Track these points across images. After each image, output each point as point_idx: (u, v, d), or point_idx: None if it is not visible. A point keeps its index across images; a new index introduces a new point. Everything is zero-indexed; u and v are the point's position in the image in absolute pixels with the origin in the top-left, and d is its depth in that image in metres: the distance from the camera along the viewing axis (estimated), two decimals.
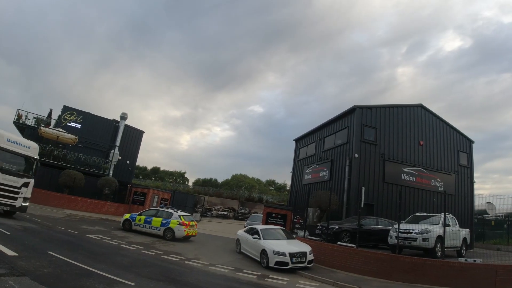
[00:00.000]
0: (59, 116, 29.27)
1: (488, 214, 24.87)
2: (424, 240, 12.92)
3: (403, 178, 21.93)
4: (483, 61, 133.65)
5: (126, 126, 31.82)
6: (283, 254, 11.74)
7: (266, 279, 10.06)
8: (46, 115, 30.28)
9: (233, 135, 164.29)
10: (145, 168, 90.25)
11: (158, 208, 18.15)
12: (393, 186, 21.35)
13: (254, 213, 47.99)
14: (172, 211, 17.23)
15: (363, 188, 20.21)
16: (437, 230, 12.99)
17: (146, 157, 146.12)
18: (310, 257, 12.29)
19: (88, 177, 24.80)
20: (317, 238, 15.59)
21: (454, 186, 23.66)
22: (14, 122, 28.80)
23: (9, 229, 11.13)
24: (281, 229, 15.15)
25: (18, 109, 29.12)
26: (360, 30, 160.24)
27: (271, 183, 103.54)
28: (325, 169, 24.45)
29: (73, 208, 22.40)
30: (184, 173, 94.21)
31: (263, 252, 12.27)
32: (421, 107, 24.38)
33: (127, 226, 17.49)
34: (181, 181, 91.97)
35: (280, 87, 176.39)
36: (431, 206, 22.03)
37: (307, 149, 29.53)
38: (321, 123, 26.94)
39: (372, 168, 21.27)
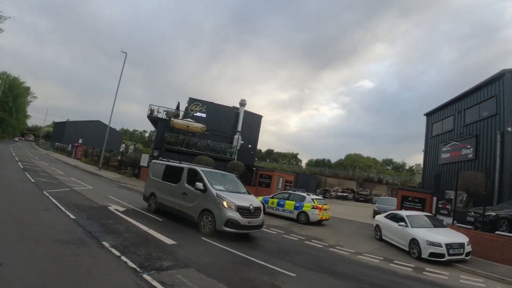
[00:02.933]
0: (186, 108, 31.98)
1: None
2: None
3: None
4: None
5: (246, 112, 32.98)
6: (438, 245, 10.28)
7: (424, 272, 8.96)
8: (174, 108, 33.55)
9: (341, 114, 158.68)
10: (260, 150, 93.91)
11: (290, 192, 18.09)
12: None
13: (376, 195, 45.15)
14: (304, 194, 17.00)
15: None
16: None
17: (259, 140, 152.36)
18: (468, 248, 10.66)
19: (217, 161, 26.37)
20: (470, 227, 13.23)
21: None
22: (148, 116, 32.64)
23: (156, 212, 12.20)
24: (428, 215, 13.43)
25: (150, 104, 32.90)
26: None
27: (388, 162, 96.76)
28: (468, 146, 20.83)
29: None
30: (297, 154, 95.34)
31: (413, 241, 10.99)
32: None
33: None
34: (294, 162, 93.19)
35: (391, 58, 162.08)
36: None
37: (442, 124, 25.71)
38: (459, 93, 23.04)
39: None
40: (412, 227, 11.58)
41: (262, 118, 35.49)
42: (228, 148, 29.25)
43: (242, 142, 31.83)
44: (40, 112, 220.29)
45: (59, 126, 76.09)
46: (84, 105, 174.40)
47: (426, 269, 9.31)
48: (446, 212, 16.61)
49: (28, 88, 71.03)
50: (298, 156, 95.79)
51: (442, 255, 10.17)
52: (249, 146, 33.23)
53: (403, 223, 11.99)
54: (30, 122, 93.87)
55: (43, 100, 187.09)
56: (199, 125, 26.54)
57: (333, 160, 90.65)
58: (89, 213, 9.99)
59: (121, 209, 11.68)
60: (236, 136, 31.39)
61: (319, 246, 10.96)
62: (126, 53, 32.76)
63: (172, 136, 27.09)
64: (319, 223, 16.32)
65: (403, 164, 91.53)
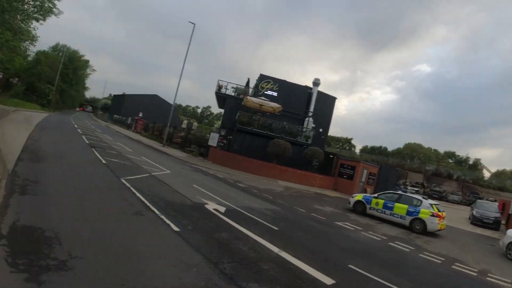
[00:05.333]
0: (256, 85, 29.34)
1: None
2: None
3: None
4: None
5: (319, 92, 29.75)
6: None
7: None
8: (243, 85, 31.03)
9: (395, 99, 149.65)
10: None
11: (400, 193, 14.97)
12: None
13: (452, 193, 40.52)
14: (420, 197, 14.26)
15: None
16: None
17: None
18: None
19: (292, 146, 23.71)
20: None
21: None
22: (216, 93, 30.41)
23: (260, 215, 9.88)
24: None
25: (218, 80, 30.69)
26: None
27: (450, 154, 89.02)
28: None
29: (284, 179, 21.68)
30: (351, 139, 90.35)
31: None
32: None
33: (360, 209, 15.16)
34: (347, 147, 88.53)
35: (452, 42, 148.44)
36: None
37: None
38: None
39: None
40: None
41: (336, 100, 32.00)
42: (305, 132, 26.30)
43: (313, 125, 28.82)
44: (97, 85, 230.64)
45: (117, 99, 76.56)
46: (138, 80, 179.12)
47: None
48: None
49: (87, 61, 71.96)
50: (352, 142, 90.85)
51: None
52: (320, 130, 30.05)
53: None
54: (88, 94, 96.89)
55: (100, 74, 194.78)
56: (274, 105, 23.79)
57: (389, 148, 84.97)
58: (189, 217, 7.77)
59: (221, 208, 9.49)
60: (307, 119, 28.40)
61: (464, 271, 8.79)
62: (194, 24, 30.54)
63: (246, 115, 24.58)
64: (432, 233, 13.50)
65: (467, 158, 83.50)
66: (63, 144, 16.39)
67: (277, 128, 24.80)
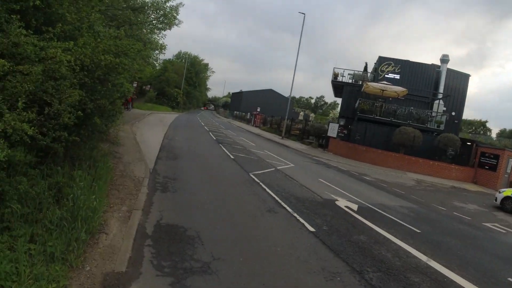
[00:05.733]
0: (375, 69, 27.57)
1: None
2: None
3: None
4: None
5: (449, 70, 26.18)
6: None
7: None
8: (361, 70, 29.53)
9: None
10: None
11: None
12: None
13: None
14: None
15: None
16: None
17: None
18: None
19: (421, 133, 21.52)
20: None
21: None
22: (332, 81, 29.64)
23: (397, 214, 9.20)
24: None
25: (334, 67, 29.77)
26: None
27: None
28: None
29: (414, 171, 19.95)
30: (486, 122, 77.66)
31: None
32: None
33: (510, 207, 13.05)
34: (481, 132, 76.33)
35: None
36: None
37: None
38: None
39: None
40: None
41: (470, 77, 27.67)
42: (434, 117, 23.61)
43: (444, 108, 25.57)
44: (216, 85, 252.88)
45: (236, 96, 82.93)
46: (252, 76, 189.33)
47: None
48: None
49: (206, 65, 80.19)
50: (487, 125, 77.91)
51: None
52: (453, 113, 26.43)
53: None
54: (209, 94, 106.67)
55: (219, 74, 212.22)
56: (399, 89, 21.86)
57: None
58: (322, 216, 7.65)
59: (353, 206, 9.16)
60: (438, 101, 25.32)
61: None
62: (304, 14, 30.32)
63: (367, 102, 23.34)
64: None
65: None
66: (194, 141, 18.31)
67: (403, 114, 22.84)
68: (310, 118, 44.59)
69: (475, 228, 9.67)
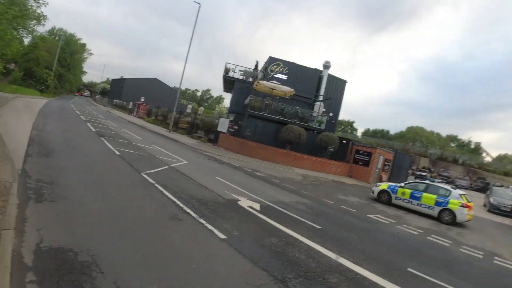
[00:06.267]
0: (265, 68, 28.31)
1: None
2: None
3: None
4: None
5: (329, 76, 28.73)
6: None
7: None
8: (252, 68, 29.99)
9: (395, 81, 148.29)
10: None
11: (428, 182, 14.48)
12: None
13: (459, 178, 40.15)
14: (448, 187, 13.70)
15: None
16: None
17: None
18: None
19: (306, 132, 22.92)
20: None
21: None
22: (223, 76, 29.38)
23: (296, 212, 9.51)
24: None
25: (226, 62, 29.71)
26: None
27: (452, 138, 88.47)
28: None
29: (299, 166, 20.98)
30: (353, 122, 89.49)
31: None
32: None
33: (385, 199, 14.65)
34: (349, 131, 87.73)
35: (453, 24, 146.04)
36: None
37: None
38: None
39: None
40: None
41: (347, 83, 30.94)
42: (317, 117, 25.42)
43: (324, 109, 27.93)
44: (94, 69, 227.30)
45: (116, 83, 75.10)
46: (136, 63, 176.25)
47: None
48: None
49: (84, 45, 70.09)
50: (354, 125, 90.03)
51: None
52: (331, 114, 29.13)
53: None
54: (85, 79, 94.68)
55: (97, 57, 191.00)
56: (287, 89, 22.77)
57: (392, 132, 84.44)
58: (229, 220, 6.96)
59: (255, 205, 8.74)
60: (319, 103, 27.49)
61: (476, 255, 8.93)
62: (199, 4, 29.12)
63: (257, 100, 23.63)
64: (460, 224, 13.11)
65: (469, 142, 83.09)
66: (70, 133, 15.39)
67: (289, 113, 23.95)
68: (200, 112, 43.51)
69: (362, 220, 10.30)
